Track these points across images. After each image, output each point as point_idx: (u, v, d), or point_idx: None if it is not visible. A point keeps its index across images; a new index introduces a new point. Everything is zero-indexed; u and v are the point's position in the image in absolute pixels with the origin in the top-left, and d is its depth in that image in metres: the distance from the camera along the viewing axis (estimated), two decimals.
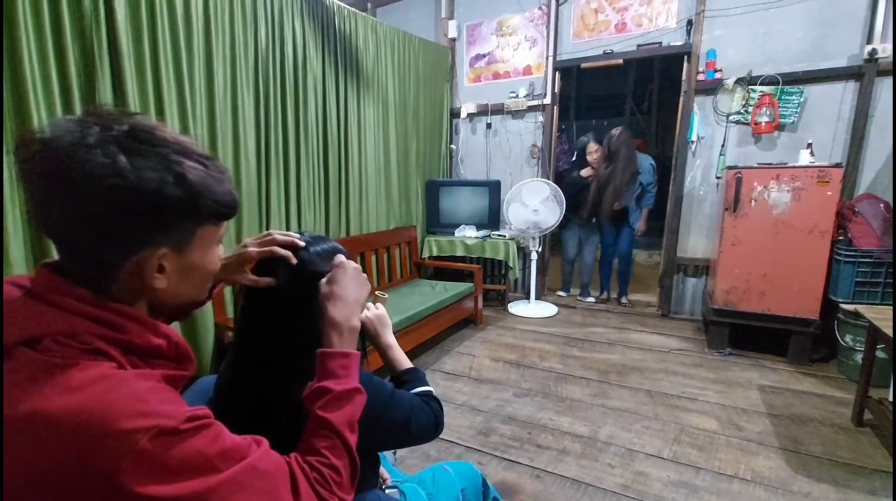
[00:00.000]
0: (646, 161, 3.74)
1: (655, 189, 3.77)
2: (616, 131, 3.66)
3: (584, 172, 3.81)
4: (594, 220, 3.90)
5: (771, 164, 2.86)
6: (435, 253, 3.90)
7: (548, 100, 3.90)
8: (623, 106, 7.21)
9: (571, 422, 2.18)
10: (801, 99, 3.03)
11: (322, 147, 2.89)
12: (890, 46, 2.74)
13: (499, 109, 4.10)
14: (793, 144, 3.08)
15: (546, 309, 3.85)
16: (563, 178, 4.04)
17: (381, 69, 3.33)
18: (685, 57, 3.37)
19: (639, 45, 3.51)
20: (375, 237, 3.35)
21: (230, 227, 2.49)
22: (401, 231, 3.68)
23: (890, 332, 1.77)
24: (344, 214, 3.13)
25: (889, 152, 2.84)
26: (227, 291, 2.27)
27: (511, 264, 3.81)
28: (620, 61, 3.65)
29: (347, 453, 0.65)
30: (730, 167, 2.96)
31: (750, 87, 3.14)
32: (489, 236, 3.88)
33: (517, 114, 4.06)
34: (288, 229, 2.63)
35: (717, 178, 3.34)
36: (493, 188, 3.95)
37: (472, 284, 3.45)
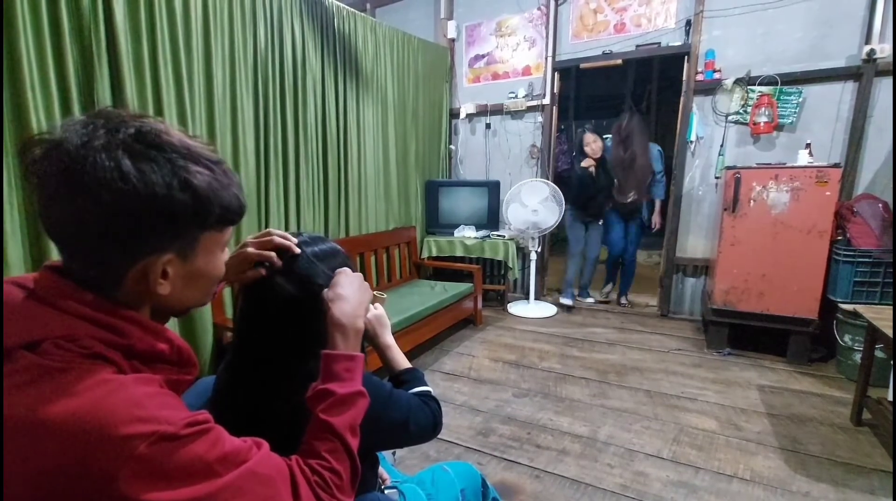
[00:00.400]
0: (653, 148, 3.65)
1: (665, 178, 3.66)
2: (626, 116, 3.58)
3: (585, 163, 3.63)
4: (602, 218, 3.82)
5: (770, 164, 2.87)
6: (434, 253, 3.90)
7: (547, 100, 3.90)
8: (622, 106, 7.20)
9: (571, 422, 2.18)
10: (800, 99, 3.04)
11: (321, 148, 2.89)
12: (888, 46, 2.74)
13: (498, 110, 4.10)
14: (791, 144, 3.08)
15: (545, 309, 3.85)
16: (564, 176, 4.02)
17: (381, 70, 3.33)
18: (685, 57, 3.37)
19: (638, 46, 3.51)
20: (375, 238, 3.35)
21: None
22: (400, 231, 3.68)
23: (889, 331, 1.77)
24: (343, 214, 3.13)
25: (887, 153, 2.84)
26: (227, 291, 2.27)
27: (510, 265, 3.81)
28: (619, 62, 3.65)
29: (349, 457, 0.65)
30: (729, 167, 2.96)
31: (749, 87, 3.14)
32: (488, 236, 3.88)
33: (516, 114, 4.06)
34: (287, 229, 2.63)
35: (716, 178, 3.34)
36: (493, 189, 3.95)
37: (471, 284, 3.45)
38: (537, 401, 2.39)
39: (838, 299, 2.63)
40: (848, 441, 2.01)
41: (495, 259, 3.95)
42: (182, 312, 0.65)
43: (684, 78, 3.40)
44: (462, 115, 4.22)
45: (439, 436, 1.05)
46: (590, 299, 4.09)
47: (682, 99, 3.44)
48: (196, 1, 2.05)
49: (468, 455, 1.93)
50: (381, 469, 1.04)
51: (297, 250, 0.81)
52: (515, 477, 1.80)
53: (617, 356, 2.98)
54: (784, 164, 2.84)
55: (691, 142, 3.41)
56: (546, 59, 3.84)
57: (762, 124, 3.11)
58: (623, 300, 3.98)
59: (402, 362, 0.99)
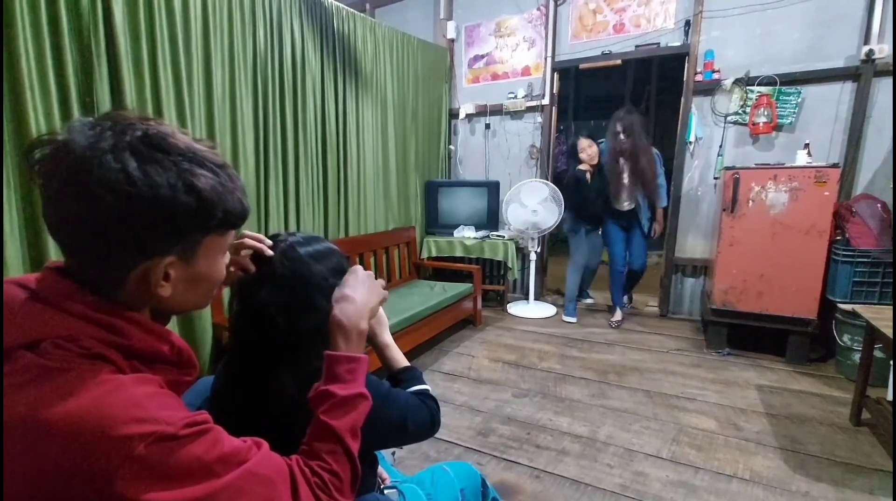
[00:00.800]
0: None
1: (666, 183, 3.44)
2: (622, 110, 3.38)
3: (583, 167, 3.49)
4: (599, 225, 3.66)
5: (768, 164, 2.87)
6: (434, 254, 3.90)
7: (546, 100, 3.91)
8: (621, 107, 7.22)
9: (570, 422, 2.18)
10: (799, 99, 3.04)
11: (321, 148, 2.88)
12: (886, 47, 2.75)
13: (497, 110, 4.11)
14: (790, 144, 3.08)
15: (545, 310, 3.85)
16: (562, 177, 3.95)
17: (380, 70, 3.33)
18: (685, 58, 3.37)
19: (637, 46, 3.51)
20: (374, 238, 3.35)
21: None
22: (400, 232, 3.68)
23: (887, 331, 1.77)
24: (343, 214, 3.13)
25: (886, 153, 2.85)
26: (227, 291, 2.26)
27: (510, 265, 3.81)
28: (619, 62, 3.65)
29: (349, 459, 0.65)
30: (728, 168, 2.97)
31: (748, 87, 3.15)
32: (488, 236, 3.88)
33: (516, 114, 4.07)
34: (287, 229, 2.63)
35: (715, 178, 3.34)
36: (492, 189, 3.95)
37: (471, 284, 3.45)
38: (537, 401, 2.39)
39: (837, 299, 2.63)
40: (847, 441, 2.01)
41: (495, 260, 3.95)
42: (183, 313, 0.65)
43: (685, 78, 3.40)
44: (461, 115, 4.22)
45: (439, 436, 1.06)
46: (589, 300, 4.04)
47: (684, 100, 3.42)
48: (195, 1, 2.05)
49: (468, 455, 1.93)
50: (380, 469, 1.04)
51: (269, 253, 0.81)
52: (515, 477, 1.80)
53: (616, 356, 2.98)
54: (783, 164, 2.84)
55: (690, 142, 3.41)
56: (545, 59, 3.85)
57: (761, 125, 3.11)
58: (625, 301, 3.82)
59: (401, 361, 0.99)
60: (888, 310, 2.00)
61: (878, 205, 2.65)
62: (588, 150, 3.48)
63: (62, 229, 0.53)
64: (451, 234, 3.94)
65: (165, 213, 0.52)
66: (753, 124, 3.14)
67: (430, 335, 2.98)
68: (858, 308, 2.09)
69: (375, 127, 3.35)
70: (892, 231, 2.56)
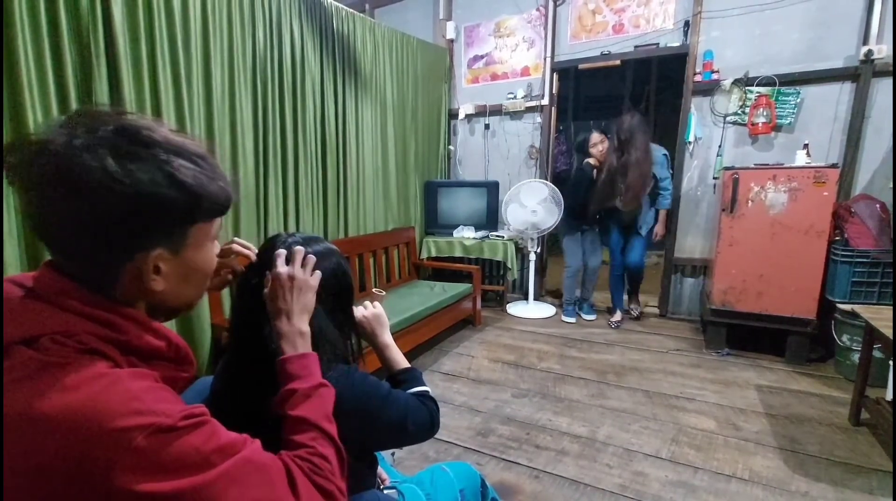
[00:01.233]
0: (658, 152, 3.29)
1: (672, 186, 3.32)
2: (626, 116, 3.23)
3: (592, 161, 3.41)
4: (597, 224, 3.61)
5: (768, 164, 2.88)
6: (433, 254, 3.90)
7: (546, 101, 3.91)
8: (621, 107, 7.22)
9: (570, 423, 2.18)
10: (798, 100, 3.05)
11: (320, 148, 2.88)
12: (885, 47, 2.75)
13: (497, 110, 4.11)
14: (789, 144, 3.09)
15: (544, 310, 3.85)
16: (562, 177, 3.92)
17: (380, 70, 3.33)
18: (685, 58, 3.37)
19: (636, 47, 3.52)
20: (374, 238, 3.35)
21: (228, 230, 2.47)
22: (399, 232, 3.68)
23: (886, 331, 1.77)
24: (342, 215, 3.13)
25: (885, 153, 2.85)
26: (226, 293, 2.26)
27: (509, 265, 3.81)
28: (618, 62, 3.65)
29: (332, 443, 0.66)
30: (727, 168, 2.97)
31: (747, 88, 3.15)
32: (487, 236, 3.88)
33: (515, 115, 4.07)
34: (286, 230, 2.63)
35: (715, 179, 3.34)
36: (492, 189, 3.95)
37: (470, 284, 3.45)
38: (536, 401, 2.39)
39: (836, 300, 2.64)
40: (846, 441, 2.01)
41: (494, 260, 3.95)
42: (180, 308, 0.65)
43: (684, 79, 3.40)
44: (461, 115, 4.22)
45: (438, 436, 1.06)
46: (591, 317, 3.71)
47: (684, 100, 3.42)
48: (195, 2, 2.05)
49: (467, 456, 1.93)
50: (380, 470, 1.04)
51: (253, 257, 0.83)
52: (514, 478, 1.80)
53: (615, 356, 2.98)
54: (782, 164, 2.85)
55: (690, 142, 3.41)
56: (545, 59, 3.85)
57: (760, 125, 3.11)
58: (633, 306, 3.66)
59: (401, 361, 0.99)
60: (887, 310, 2.00)
61: (877, 205, 2.65)
62: (600, 145, 3.41)
63: (47, 230, 0.53)
64: (451, 234, 3.94)
65: (148, 207, 0.52)
66: (752, 125, 3.15)
67: (429, 336, 2.98)
68: (857, 308, 2.09)
69: (375, 127, 3.35)
70: (890, 231, 2.56)
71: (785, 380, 2.61)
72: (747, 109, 3.16)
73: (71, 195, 0.49)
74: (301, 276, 0.77)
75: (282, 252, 0.78)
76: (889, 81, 2.77)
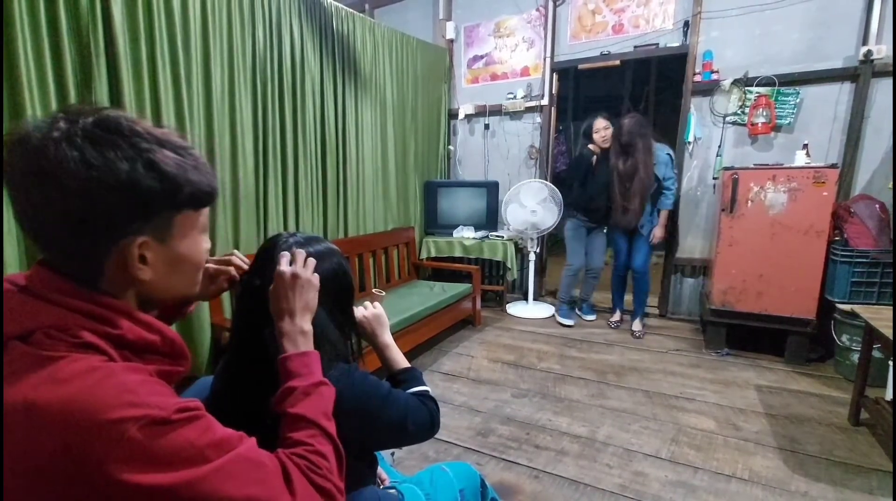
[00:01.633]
0: (661, 152, 3.18)
1: (675, 186, 3.22)
2: (627, 119, 3.18)
3: (592, 147, 3.35)
4: (604, 221, 3.52)
5: (767, 164, 2.88)
6: (433, 254, 3.90)
7: (545, 101, 3.91)
8: (620, 107, 7.23)
9: (570, 423, 2.18)
10: (798, 100, 3.05)
11: (320, 148, 2.88)
12: (885, 48, 2.75)
13: (497, 110, 4.11)
14: (789, 144, 3.09)
15: (544, 310, 3.85)
16: (562, 176, 3.89)
17: (379, 70, 3.33)
18: (685, 58, 3.37)
19: (636, 47, 3.52)
20: (373, 238, 3.35)
21: (228, 231, 2.46)
22: (399, 232, 3.68)
23: (886, 331, 1.77)
24: (342, 215, 3.13)
25: (884, 153, 2.85)
26: (226, 292, 2.26)
27: (509, 265, 3.81)
28: (617, 62, 3.65)
29: (330, 440, 0.65)
30: (726, 168, 2.97)
31: (746, 88, 3.15)
32: (487, 236, 3.88)
33: (515, 115, 4.07)
34: (286, 229, 2.63)
35: (714, 179, 3.34)
36: (492, 189, 3.95)
37: (470, 285, 3.45)
38: (536, 401, 2.39)
39: (836, 300, 2.64)
40: (846, 441, 2.02)
41: (494, 260, 3.95)
42: (172, 301, 0.65)
43: (683, 79, 3.40)
44: (461, 115, 4.22)
45: (438, 436, 1.05)
46: (591, 317, 3.70)
47: (684, 100, 3.42)
48: (195, 2, 2.05)
49: (467, 456, 1.93)
50: (379, 470, 1.04)
51: (246, 268, 0.84)
52: (514, 478, 1.80)
53: (615, 356, 2.98)
54: (781, 164, 2.85)
55: (689, 143, 3.41)
56: (544, 59, 3.85)
57: (760, 125, 3.12)
58: (637, 327, 3.38)
59: (401, 361, 0.99)
60: (887, 310, 2.00)
61: (877, 205, 2.65)
62: (603, 131, 3.31)
63: (30, 221, 0.54)
64: (451, 234, 3.94)
65: (127, 192, 0.52)
66: (752, 125, 3.15)
67: (429, 336, 2.98)
68: (857, 308, 2.09)
69: (375, 127, 3.35)
70: (890, 231, 2.57)
71: (785, 380, 2.61)
72: (747, 110, 3.17)
73: (49, 184, 0.50)
74: (304, 275, 0.77)
75: (285, 253, 0.79)
76: (888, 82, 2.77)
